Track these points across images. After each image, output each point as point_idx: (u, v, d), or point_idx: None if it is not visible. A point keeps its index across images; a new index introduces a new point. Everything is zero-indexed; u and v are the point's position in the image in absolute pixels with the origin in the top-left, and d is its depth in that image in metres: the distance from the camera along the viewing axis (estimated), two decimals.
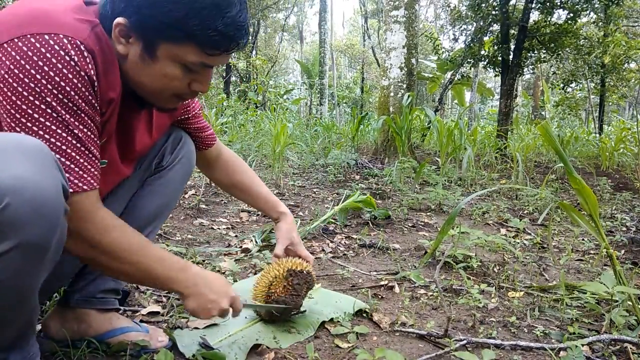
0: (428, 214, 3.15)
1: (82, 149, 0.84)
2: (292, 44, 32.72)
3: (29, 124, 0.78)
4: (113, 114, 0.94)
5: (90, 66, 0.82)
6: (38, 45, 0.77)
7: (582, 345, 1.25)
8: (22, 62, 0.76)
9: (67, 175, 0.81)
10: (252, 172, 1.40)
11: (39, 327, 1.17)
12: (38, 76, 0.77)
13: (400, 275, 1.84)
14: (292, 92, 17.50)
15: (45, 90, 0.78)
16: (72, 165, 0.83)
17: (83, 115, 0.83)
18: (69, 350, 1.08)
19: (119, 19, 0.83)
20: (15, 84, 0.77)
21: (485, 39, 7.60)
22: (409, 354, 1.23)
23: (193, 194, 3.24)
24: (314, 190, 3.79)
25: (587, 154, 6.84)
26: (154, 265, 0.94)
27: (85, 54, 0.81)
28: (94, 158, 0.86)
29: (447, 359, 1.22)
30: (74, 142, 0.82)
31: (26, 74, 0.76)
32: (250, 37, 0.97)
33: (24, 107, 0.77)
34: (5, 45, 0.77)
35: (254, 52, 16.05)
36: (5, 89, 0.77)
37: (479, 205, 3.27)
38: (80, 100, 0.81)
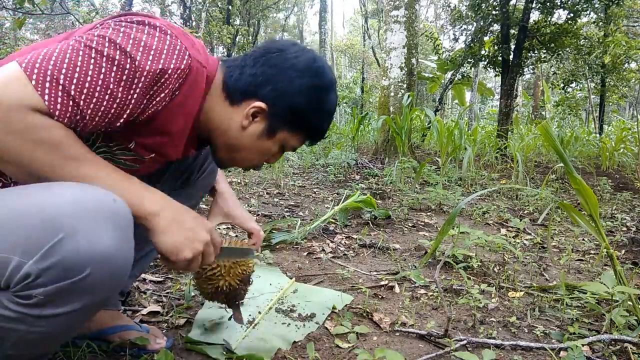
0: (428, 214, 3.15)
1: (104, 91, 0.73)
2: None
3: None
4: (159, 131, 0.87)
5: (175, 73, 0.78)
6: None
7: (583, 345, 1.25)
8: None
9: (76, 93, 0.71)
10: None
11: None
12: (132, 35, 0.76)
13: (401, 275, 1.84)
14: None
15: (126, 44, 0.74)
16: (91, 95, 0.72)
17: (134, 82, 0.76)
18: (69, 349, 1.08)
19: (260, 103, 0.91)
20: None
21: (486, 39, 7.60)
22: (409, 354, 1.23)
23: None
24: (314, 190, 3.79)
25: (587, 154, 6.83)
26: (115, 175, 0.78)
27: (185, 62, 0.79)
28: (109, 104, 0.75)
29: (447, 359, 1.22)
30: (105, 83, 0.73)
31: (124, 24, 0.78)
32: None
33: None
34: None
35: None
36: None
37: (479, 205, 3.27)
38: (139, 69, 0.75)
